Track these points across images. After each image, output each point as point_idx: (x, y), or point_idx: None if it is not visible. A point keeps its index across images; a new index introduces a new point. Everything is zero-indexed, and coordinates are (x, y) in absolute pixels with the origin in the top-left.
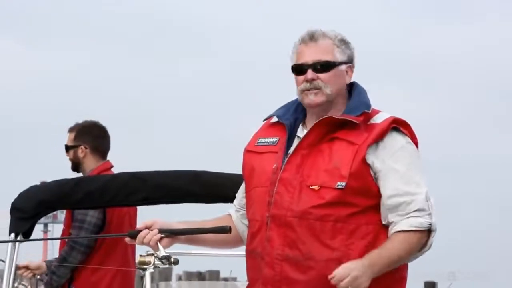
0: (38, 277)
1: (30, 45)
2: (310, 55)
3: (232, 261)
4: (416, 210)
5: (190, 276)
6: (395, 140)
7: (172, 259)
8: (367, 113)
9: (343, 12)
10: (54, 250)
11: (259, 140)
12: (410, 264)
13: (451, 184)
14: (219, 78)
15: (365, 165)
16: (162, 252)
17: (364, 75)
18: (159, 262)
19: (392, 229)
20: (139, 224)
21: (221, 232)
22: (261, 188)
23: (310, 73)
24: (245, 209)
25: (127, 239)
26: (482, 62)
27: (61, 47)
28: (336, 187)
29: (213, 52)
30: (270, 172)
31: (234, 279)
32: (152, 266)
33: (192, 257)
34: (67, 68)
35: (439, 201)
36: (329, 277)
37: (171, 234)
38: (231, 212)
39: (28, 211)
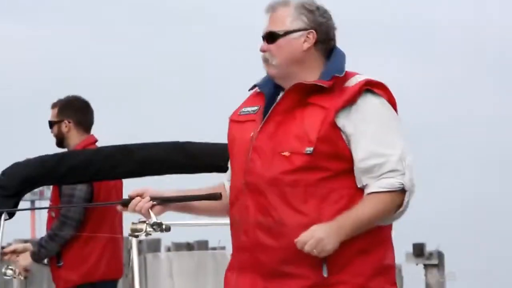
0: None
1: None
2: (266, 26)
3: (220, 231)
4: (389, 171)
5: (179, 246)
6: (368, 102)
7: (164, 226)
8: (338, 77)
9: None
10: (41, 227)
11: (243, 109)
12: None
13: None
14: (208, 48)
15: (335, 129)
16: (154, 219)
17: (350, 43)
18: (151, 229)
19: (365, 192)
20: (130, 193)
21: (212, 199)
22: (240, 156)
23: (262, 45)
24: None
25: (118, 207)
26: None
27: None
28: (305, 152)
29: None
30: (248, 140)
31: (223, 248)
32: (144, 233)
33: (180, 227)
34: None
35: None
36: (295, 241)
37: (163, 202)
38: (224, 181)
39: (11, 188)
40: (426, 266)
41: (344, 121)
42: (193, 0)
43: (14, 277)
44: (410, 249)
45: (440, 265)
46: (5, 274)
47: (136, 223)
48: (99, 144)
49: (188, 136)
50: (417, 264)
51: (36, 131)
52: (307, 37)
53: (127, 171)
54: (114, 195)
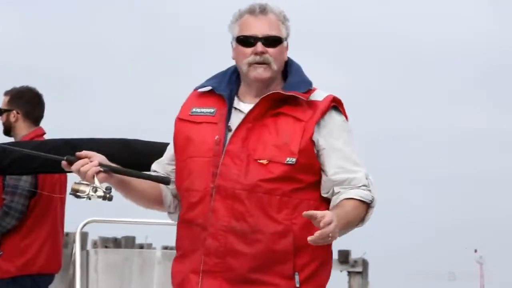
0: None
1: None
2: (261, 28)
3: (147, 228)
4: (361, 185)
5: (105, 241)
6: (335, 119)
7: (108, 194)
8: (310, 90)
9: None
10: None
11: (194, 110)
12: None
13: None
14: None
15: (311, 143)
16: (97, 184)
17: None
18: (93, 194)
19: (338, 198)
20: (78, 153)
21: (162, 182)
22: (201, 158)
23: (260, 46)
24: (172, 176)
25: (63, 163)
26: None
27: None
28: (286, 162)
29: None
30: (212, 143)
31: (150, 245)
32: (86, 196)
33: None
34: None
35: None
36: (317, 215)
37: (111, 171)
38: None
39: None
40: (350, 273)
41: (317, 135)
42: None
43: None
44: (336, 256)
45: (364, 273)
46: None
47: (79, 183)
48: (46, 137)
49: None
50: (341, 271)
51: None
52: (287, 47)
53: None
54: (57, 188)
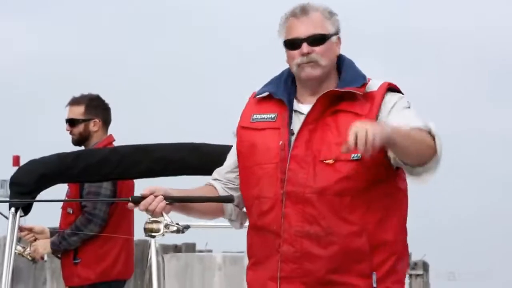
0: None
1: None
2: (304, 29)
3: (207, 234)
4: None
5: (166, 249)
6: (391, 98)
7: (181, 228)
8: (365, 84)
9: None
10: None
11: (255, 116)
12: None
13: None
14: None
15: None
16: (167, 219)
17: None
18: (167, 230)
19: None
20: (142, 191)
21: (226, 201)
22: (269, 165)
23: (305, 47)
24: (234, 183)
25: (129, 205)
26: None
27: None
28: (351, 158)
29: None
30: (277, 148)
31: (210, 251)
32: (161, 234)
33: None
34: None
35: None
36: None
37: (176, 202)
38: (213, 183)
39: (28, 185)
40: (411, 276)
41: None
42: (204, 5)
43: (21, 255)
44: None
45: (424, 275)
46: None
47: (151, 223)
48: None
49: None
50: None
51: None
52: (338, 41)
53: (143, 171)
54: (131, 194)
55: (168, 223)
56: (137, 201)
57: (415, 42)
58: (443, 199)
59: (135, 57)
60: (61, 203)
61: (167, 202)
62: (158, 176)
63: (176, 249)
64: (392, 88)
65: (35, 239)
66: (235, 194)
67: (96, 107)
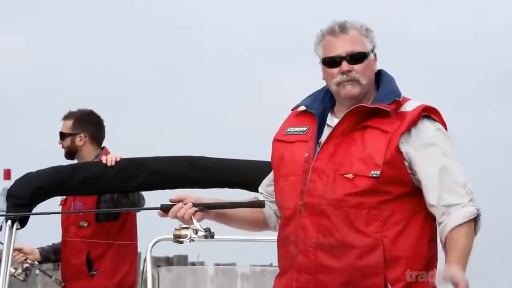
0: (30, 261)
1: None
2: (343, 47)
3: (199, 246)
4: (464, 205)
5: (158, 261)
6: (428, 127)
7: (209, 233)
8: (398, 101)
9: None
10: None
11: (288, 129)
12: None
13: None
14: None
15: (399, 154)
16: (197, 225)
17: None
18: (196, 235)
19: (444, 230)
20: (171, 198)
21: (257, 206)
22: (293, 177)
23: (345, 65)
24: (273, 196)
25: (159, 213)
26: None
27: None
28: (370, 175)
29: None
30: (302, 161)
31: (202, 263)
32: (189, 239)
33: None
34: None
35: None
36: (448, 274)
37: (205, 208)
38: (258, 196)
39: (24, 197)
40: None
41: (406, 147)
42: (192, 6)
43: (13, 276)
44: None
45: None
46: None
47: (179, 229)
48: None
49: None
50: None
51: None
52: (375, 57)
53: (140, 184)
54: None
55: (197, 228)
56: (167, 208)
57: (413, 49)
58: None
59: (123, 59)
60: (60, 219)
61: (196, 209)
62: (155, 189)
63: (168, 261)
64: (429, 116)
65: (26, 259)
66: (275, 207)
67: (84, 122)
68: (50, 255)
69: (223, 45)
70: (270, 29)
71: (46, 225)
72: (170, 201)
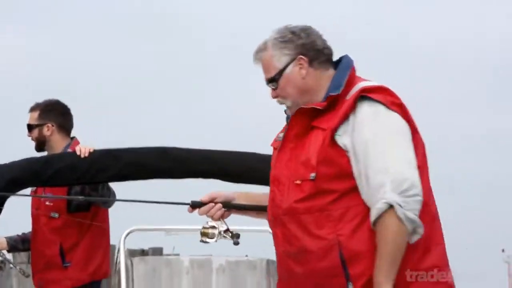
0: (2, 253)
1: None
2: (263, 74)
3: (174, 239)
4: (381, 201)
5: (133, 253)
6: (361, 111)
7: (235, 234)
8: (333, 96)
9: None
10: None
11: (278, 135)
12: None
13: None
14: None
15: (335, 148)
16: (224, 226)
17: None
18: (222, 236)
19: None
20: (203, 197)
21: None
22: (271, 185)
23: (272, 93)
24: None
25: (189, 209)
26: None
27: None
28: (310, 178)
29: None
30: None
31: (177, 255)
32: (215, 239)
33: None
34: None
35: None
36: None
37: (233, 209)
38: None
39: None
40: None
41: (344, 138)
42: (192, 6)
43: None
44: None
45: None
46: None
47: (207, 228)
48: None
49: (171, 141)
50: None
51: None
52: (299, 64)
53: (113, 175)
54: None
55: (223, 233)
56: (197, 206)
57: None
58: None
59: (123, 59)
60: (30, 209)
61: (225, 210)
62: (128, 180)
63: (143, 253)
64: (366, 97)
65: None
66: None
67: (50, 112)
68: (18, 244)
69: (223, 45)
70: (270, 29)
71: (17, 216)
72: (201, 201)
